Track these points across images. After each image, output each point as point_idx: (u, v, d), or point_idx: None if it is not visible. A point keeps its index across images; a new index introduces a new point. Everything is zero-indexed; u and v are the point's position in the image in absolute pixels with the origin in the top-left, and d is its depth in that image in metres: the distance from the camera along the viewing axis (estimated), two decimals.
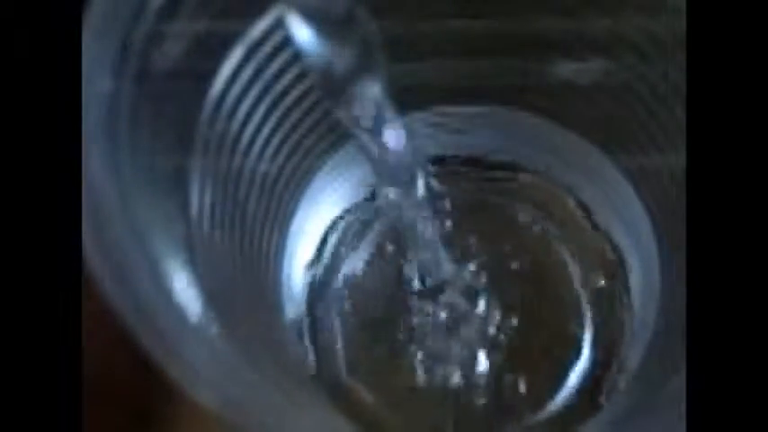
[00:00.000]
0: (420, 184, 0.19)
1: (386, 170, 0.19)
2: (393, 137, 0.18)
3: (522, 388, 0.23)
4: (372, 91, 0.17)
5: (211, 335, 0.16)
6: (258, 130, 0.20)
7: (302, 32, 0.16)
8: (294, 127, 0.21)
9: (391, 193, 0.20)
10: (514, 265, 0.24)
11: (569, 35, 0.20)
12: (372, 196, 0.24)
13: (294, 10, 0.15)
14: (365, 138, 0.18)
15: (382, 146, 0.18)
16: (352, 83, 0.16)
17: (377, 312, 0.24)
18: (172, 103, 0.17)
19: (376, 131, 0.18)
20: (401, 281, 0.23)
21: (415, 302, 0.23)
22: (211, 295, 0.17)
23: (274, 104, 0.20)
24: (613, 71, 0.20)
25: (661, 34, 0.19)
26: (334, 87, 0.17)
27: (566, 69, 0.21)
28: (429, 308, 0.23)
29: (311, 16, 0.15)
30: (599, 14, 0.19)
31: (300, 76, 0.20)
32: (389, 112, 0.18)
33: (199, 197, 0.18)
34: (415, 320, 0.23)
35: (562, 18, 0.20)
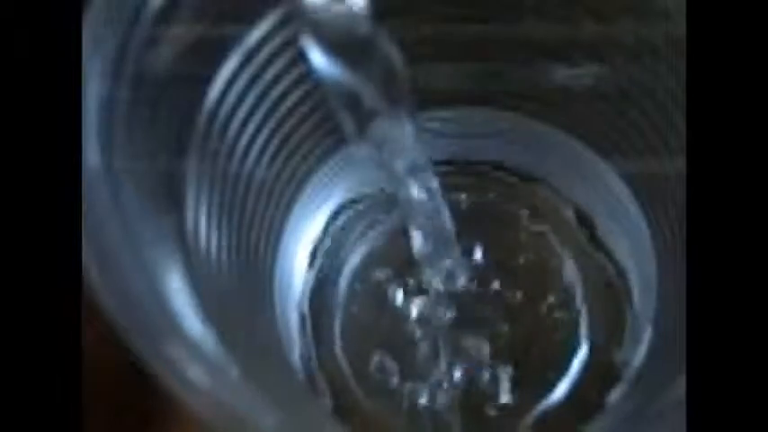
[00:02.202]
0: (424, 189, 0.19)
1: (403, 189, 0.19)
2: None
3: (523, 390, 0.23)
4: (397, 121, 0.17)
5: (207, 342, 0.16)
6: (255, 134, 0.20)
7: (322, 61, 0.16)
8: (291, 132, 0.21)
9: (392, 195, 0.20)
10: (515, 271, 0.24)
11: (564, 41, 0.20)
12: (372, 199, 0.24)
13: (313, 38, 0.15)
14: (387, 162, 0.18)
15: (403, 170, 0.19)
16: (375, 112, 0.16)
17: (378, 316, 0.23)
18: (168, 107, 0.17)
19: (399, 158, 0.18)
20: (402, 284, 0.23)
21: (416, 306, 0.23)
22: (207, 300, 0.17)
23: (271, 109, 0.20)
24: (608, 76, 0.20)
25: (655, 39, 0.19)
26: (355, 117, 0.17)
27: (561, 74, 0.21)
28: (431, 311, 0.23)
29: (331, 45, 0.15)
30: (593, 20, 0.19)
31: (297, 82, 0.20)
32: (412, 140, 0.18)
33: (195, 201, 0.18)
34: (417, 324, 0.23)
35: (557, 24, 0.20)
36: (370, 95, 0.16)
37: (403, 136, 0.18)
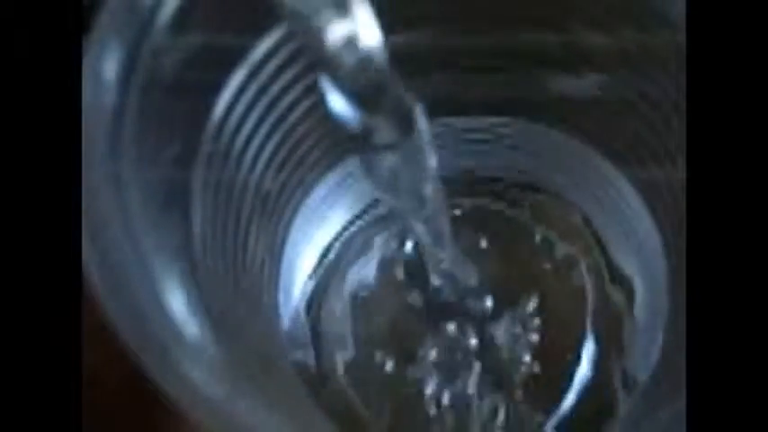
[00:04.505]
0: (429, 200, 0.19)
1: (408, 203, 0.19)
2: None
3: (529, 402, 0.22)
4: (409, 156, 0.17)
5: (210, 351, 0.16)
6: (263, 144, 0.20)
7: (335, 99, 0.16)
8: (298, 143, 0.21)
9: (396, 208, 0.20)
10: (521, 283, 0.24)
11: (566, 50, 0.20)
12: (376, 209, 0.24)
13: (327, 77, 0.16)
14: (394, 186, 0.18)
15: (416, 207, 0.19)
16: (388, 148, 0.17)
17: (380, 325, 0.23)
18: (177, 116, 0.18)
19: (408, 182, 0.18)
20: (405, 293, 0.23)
21: (420, 315, 0.23)
22: (211, 310, 0.17)
23: (279, 120, 0.20)
24: (610, 85, 0.20)
25: (656, 49, 0.19)
26: (369, 153, 0.17)
27: (564, 84, 0.21)
28: (433, 320, 0.23)
29: (344, 83, 0.16)
30: (595, 30, 0.20)
31: (305, 93, 0.20)
32: (428, 175, 0.18)
33: (201, 211, 0.18)
34: (420, 333, 0.23)
35: (559, 34, 0.20)
36: (383, 134, 0.16)
37: (415, 169, 0.18)
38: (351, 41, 0.15)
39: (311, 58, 0.17)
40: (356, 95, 0.16)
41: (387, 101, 0.16)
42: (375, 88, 0.16)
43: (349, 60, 0.15)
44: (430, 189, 0.19)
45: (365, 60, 0.15)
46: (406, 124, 0.16)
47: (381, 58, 0.15)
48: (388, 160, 0.17)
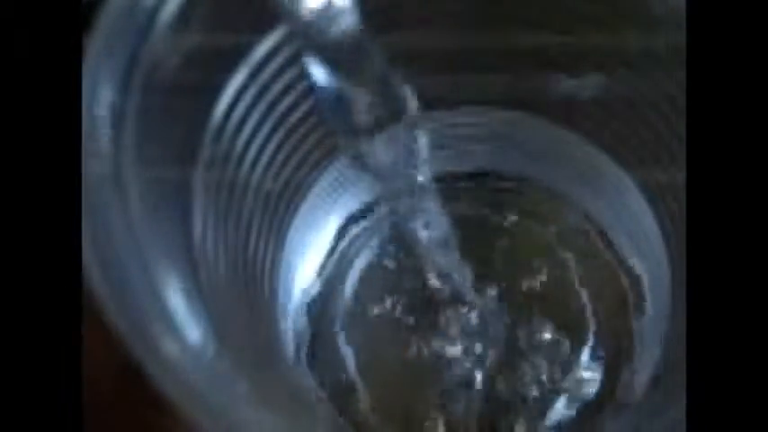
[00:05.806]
0: (425, 199, 0.19)
1: (402, 201, 0.20)
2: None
3: (530, 403, 0.22)
4: (395, 138, 0.17)
5: (210, 352, 0.16)
6: (263, 145, 0.20)
7: (318, 70, 0.16)
8: (299, 143, 0.21)
9: (395, 206, 0.20)
10: (524, 281, 0.24)
11: (568, 51, 0.20)
12: (376, 209, 0.24)
13: (309, 48, 0.16)
14: (385, 177, 0.18)
15: (402, 184, 0.19)
16: (373, 130, 0.17)
17: (381, 324, 0.23)
18: (178, 117, 0.18)
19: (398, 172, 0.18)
20: (406, 292, 0.23)
21: (421, 315, 0.23)
22: (211, 310, 0.17)
23: (279, 121, 0.20)
24: (610, 86, 0.20)
25: (656, 50, 0.19)
26: (353, 135, 0.17)
27: (565, 84, 0.21)
28: (434, 321, 0.23)
29: (325, 53, 0.16)
30: (596, 31, 0.20)
31: (305, 94, 0.20)
32: (411, 155, 0.18)
33: (202, 211, 0.18)
34: (422, 332, 0.23)
35: (560, 35, 0.20)
36: (367, 111, 0.17)
37: (401, 152, 0.18)
38: (326, 7, 0.15)
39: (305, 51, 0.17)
40: (336, 63, 0.16)
41: (368, 68, 0.16)
42: (355, 54, 0.16)
43: (326, 25, 0.15)
44: (423, 176, 0.19)
45: (340, 22, 0.15)
46: (395, 106, 0.17)
47: (354, 18, 0.15)
48: (380, 143, 0.17)
